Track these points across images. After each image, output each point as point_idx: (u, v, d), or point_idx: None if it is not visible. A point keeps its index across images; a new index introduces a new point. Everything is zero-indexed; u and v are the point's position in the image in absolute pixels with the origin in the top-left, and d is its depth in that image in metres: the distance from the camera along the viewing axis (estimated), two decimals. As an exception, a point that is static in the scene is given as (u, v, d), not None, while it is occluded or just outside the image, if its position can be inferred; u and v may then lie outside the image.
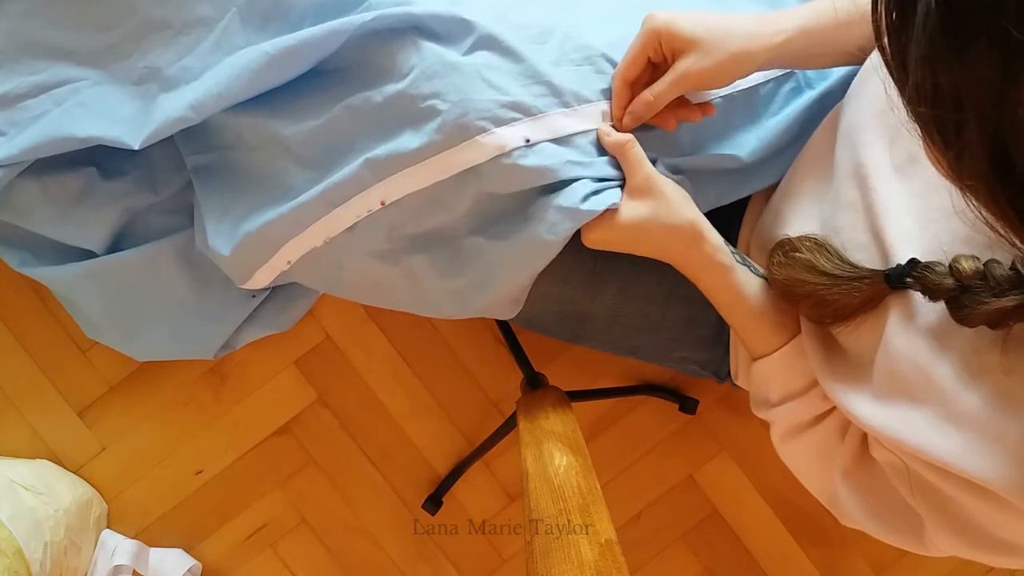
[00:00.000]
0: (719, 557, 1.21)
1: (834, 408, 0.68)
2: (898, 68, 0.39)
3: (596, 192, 0.65)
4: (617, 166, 0.67)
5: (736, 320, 0.70)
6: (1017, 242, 0.40)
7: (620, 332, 0.83)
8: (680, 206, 0.66)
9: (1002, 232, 0.40)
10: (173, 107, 0.71)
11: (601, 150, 0.67)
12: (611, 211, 0.65)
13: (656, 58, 0.66)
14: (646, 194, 0.65)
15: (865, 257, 0.60)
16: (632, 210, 0.65)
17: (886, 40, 0.39)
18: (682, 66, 0.64)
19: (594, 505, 0.67)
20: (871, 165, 0.61)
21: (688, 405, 1.17)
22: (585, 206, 0.64)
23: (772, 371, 0.69)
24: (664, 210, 0.65)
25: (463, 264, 0.73)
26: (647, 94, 0.65)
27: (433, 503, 1.17)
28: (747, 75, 0.66)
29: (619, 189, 0.66)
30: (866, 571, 1.21)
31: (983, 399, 0.52)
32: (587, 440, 0.76)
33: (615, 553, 0.63)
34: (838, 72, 0.75)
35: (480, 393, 1.18)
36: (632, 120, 0.67)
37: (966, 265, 0.51)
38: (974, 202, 0.39)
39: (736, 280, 0.67)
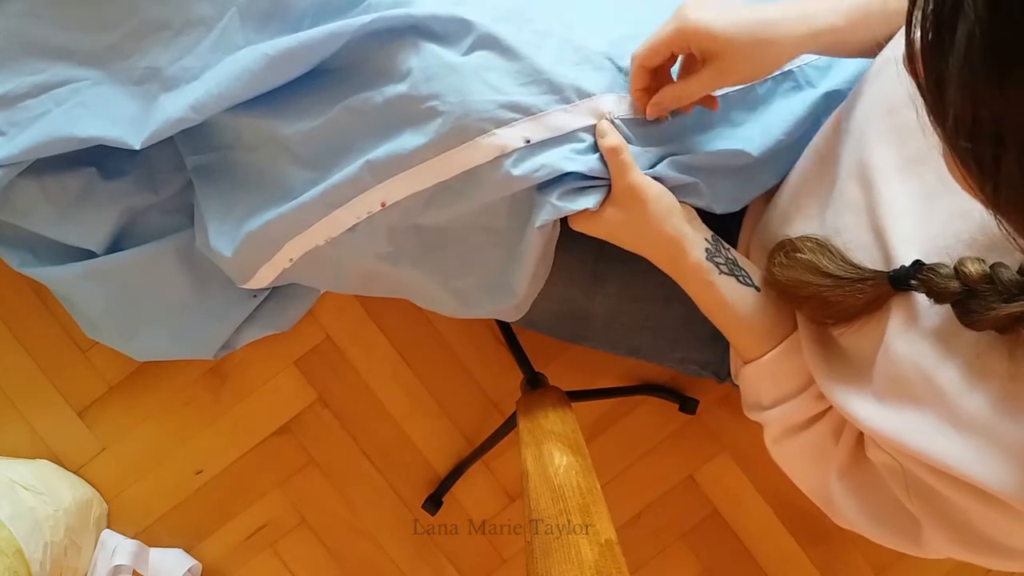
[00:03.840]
0: (719, 557, 1.21)
1: (827, 409, 0.68)
2: (932, 92, 0.37)
3: (578, 189, 0.66)
4: None
5: (721, 327, 0.70)
6: None
7: (620, 332, 0.83)
8: (659, 220, 0.66)
9: None
10: (174, 107, 0.71)
11: (597, 146, 0.67)
12: (590, 210, 0.66)
13: (681, 52, 0.65)
14: (626, 202, 0.66)
15: (867, 257, 0.60)
16: (611, 215, 0.66)
17: (920, 62, 0.37)
18: (717, 71, 0.62)
19: (594, 505, 0.67)
20: (875, 165, 0.60)
21: (688, 405, 1.17)
22: (560, 203, 0.65)
23: (762, 375, 0.69)
24: (640, 221, 0.66)
25: (466, 266, 0.73)
26: (678, 90, 0.65)
27: (433, 503, 1.17)
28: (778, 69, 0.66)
29: (602, 190, 0.67)
30: (866, 571, 1.21)
31: (987, 403, 0.51)
32: (587, 440, 0.76)
33: (615, 553, 0.63)
34: (841, 72, 0.75)
35: (480, 393, 1.18)
36: (656, 110, 0.66)
37: (972, 268, 0.50)
38: (1007, 227, 0.39)
39: (718, 294, 0.67)
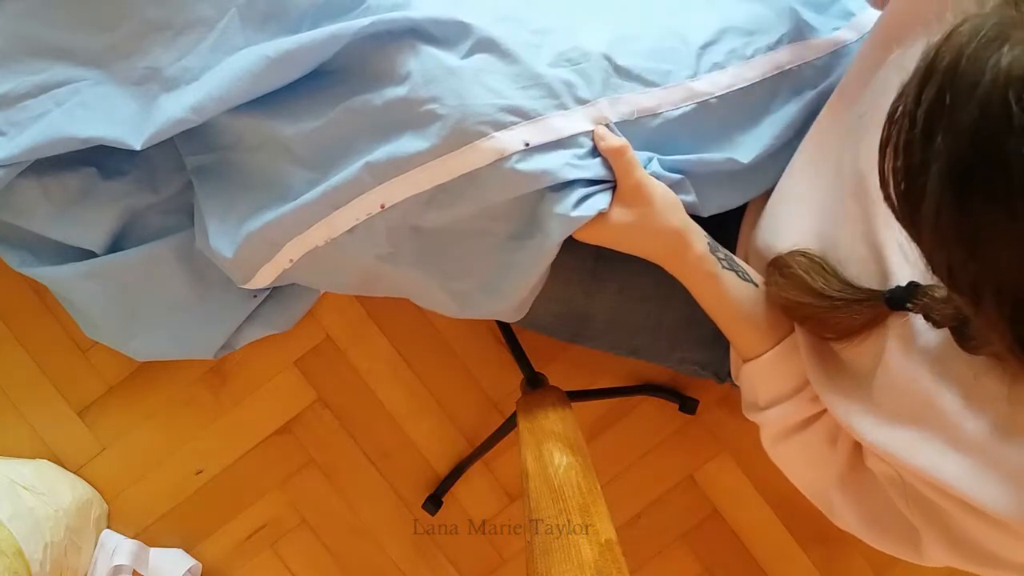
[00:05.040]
0: (719, 557, 1.21)
1: (823, 411, 0.68)
2: (910, 230, 0.38)
3: (587, 196, 0.66)
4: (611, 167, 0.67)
5: (723, 324, 0.70)
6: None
7: (620, 332, 0.83)
8: (666, 215, 0.66)
9: (1019, 367, 0.39)
10: (174, 108, 0.71)
11: (597, 150, 0.67)
12: (601, 213, 0.66)
13: None
14: (634, 201, 0.65)
15: (863, 270, 0.60)
16: (619, 215, 0.66)
17: (897, 205, 0.38)
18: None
19: (594, 505, 0.67)
20: (872, 176, 0.60)
21: (688, 405, 1.17)
22: (575, 213, 0.65)
23: (760, 374, 0.69)
24: (649, 218, 0.66)
25: (465, 268, 0.73)
26: None
27: (433, 503, 1.17)
28: None
29: (609, 192, 0.67)
30: (866, 571, 1.21)
31: (987, 427, 0.51)
32: (587, 440, 0.76)
33: (615, 553, 0.63)
34: (840, 70, 0.75)
35: (480, 393, 1.18)
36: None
37: None
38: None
39: (721, 287, 0.67)
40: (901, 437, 0.56)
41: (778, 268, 0.64)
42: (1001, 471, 0.51)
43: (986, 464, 0.51)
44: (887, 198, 0.38)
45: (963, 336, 0.51)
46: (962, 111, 0.32)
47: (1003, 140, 0.31)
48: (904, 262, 0.57)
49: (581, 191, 0.66)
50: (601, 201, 0.66)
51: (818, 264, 0.61)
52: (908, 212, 0.37)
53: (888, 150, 0.37)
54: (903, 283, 0.55)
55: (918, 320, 0.55)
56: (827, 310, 0.59)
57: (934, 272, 0.38)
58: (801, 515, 1.20)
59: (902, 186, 0.37)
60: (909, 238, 0.39)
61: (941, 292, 0.52)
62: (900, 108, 0.36)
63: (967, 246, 0.34)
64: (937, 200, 0.34)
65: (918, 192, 0.35)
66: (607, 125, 0.67)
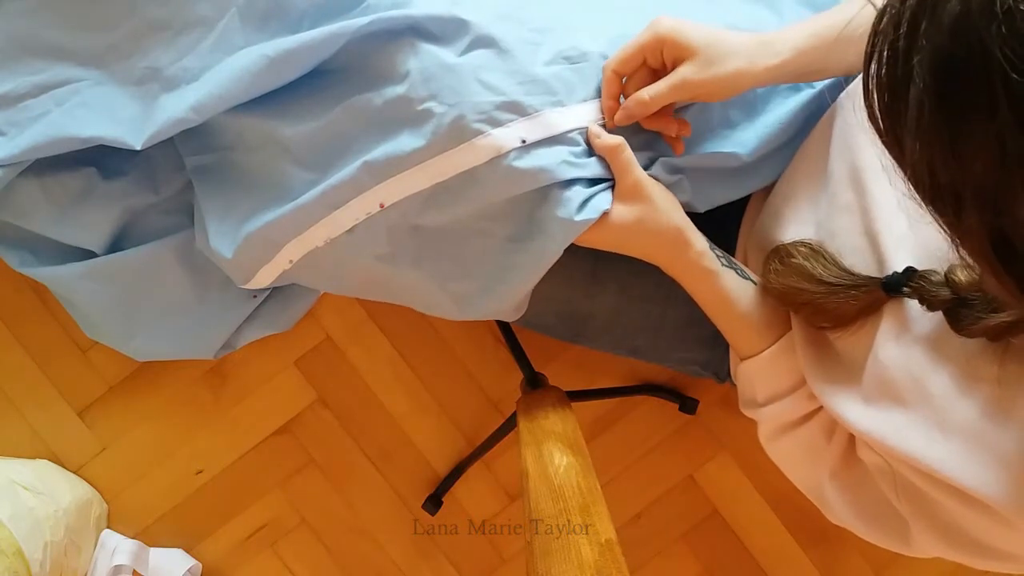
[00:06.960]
0: (719, 557, 1.21)
1: (820, 408, 0.68)
2: (893, 148, 0.38)
3: (589, 198, 0.66)
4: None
5: (722, 323, 0.70)
6: (1018, 304, 0.39)
7: (620, 332, 0.83)
8: (666, 212, 0.66)
9: (1004, 295, 0.39)
10: (174, 108, 0.71)
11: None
12: (604, 214, 0.66)
13: (654, 63, 0.65)
14: (633, 199, 0.65)
15: (860, 260, 0.60)
16: (619, 214, 0.66)
17: (880, 121, 0.38)
18: (683, 72, 0.63)
19: (594, 505, 0.67)
20: (867, 168, 0.61)
21: (688, 405, 1.17)
22: (580, 217, 0.65)
23: (758, 372, 0.69)
24: (650, 216, 0.65)
25: (464, 269, 0.73)
26: (644, 93, 0.64)
27: (433, 503, 1.17)
28: (742, 92, 0.65)
29: (610, 191, 0.67)
30: (865, 570, 1.21)
31: (976, 408, 0.52)
32: (587, 440, 0.76)
33: (615, 553, 0.63)
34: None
35: (480, 393, 1.18)
36: (625, 117, 0.66)
37: (962, 276, 0.51)
38: (968, 261, 0.39)
39: (721, 285, 0.68)
40: (888, 421, 0.56)
41: (779, 255, 0.64)
42: (989, 454, 0.51)
43: (974, 447, 0.52)
44: (871, 116, 0.38)
45: (957, 318, 0.52)
46: (945, 5, 0.32)
47: (985, 25, 0.31)
48: (900, 250, 0.57)
49: (583, 193, 0.65)
50: (603, 201, 0.66)
51: (819, 252, 0.61)
52: (890, 123, 0.37)
53: (872, 63, 0.37)
54: (899, 270, 0.56)
55: (912, 308, 0.56)
56: (825, 296, 0.60)
57: (915, 187, 0.38)
58: (801, 515, 1.20)
59: (886, 97, 0.37)
60: (894, 162, 0.39)
61: (937, 276, 0.52)
62: (884, 18, 0.36)
63: (948, 143, 0.34)
64: (919, 100, 0.34)
65: (900, 99, 0.35)
66: (602, 124, 0.67)
